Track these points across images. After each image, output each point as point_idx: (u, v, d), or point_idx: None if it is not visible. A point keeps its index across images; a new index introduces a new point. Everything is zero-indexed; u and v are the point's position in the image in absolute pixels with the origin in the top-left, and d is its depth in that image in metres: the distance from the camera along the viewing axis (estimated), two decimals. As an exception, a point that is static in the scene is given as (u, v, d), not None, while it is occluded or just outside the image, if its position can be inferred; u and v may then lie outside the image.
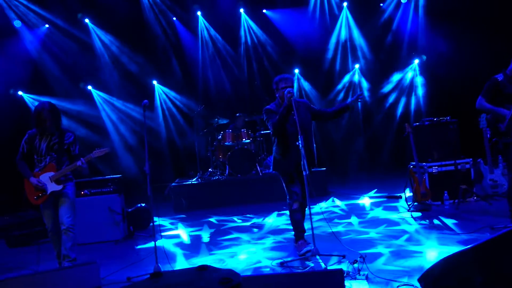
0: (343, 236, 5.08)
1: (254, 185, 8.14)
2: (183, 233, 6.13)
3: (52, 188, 4.37)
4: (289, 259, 4.28)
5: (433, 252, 4.19)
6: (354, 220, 5.86)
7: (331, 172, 9.17)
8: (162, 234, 6.01)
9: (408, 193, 6.50)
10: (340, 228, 5.46)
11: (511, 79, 4.64)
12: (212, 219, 6.80)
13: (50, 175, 4.36)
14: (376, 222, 5.61)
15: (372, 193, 7.69)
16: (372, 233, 5.11)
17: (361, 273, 3.70)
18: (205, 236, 5.78)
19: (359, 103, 4.92)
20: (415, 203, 6.08)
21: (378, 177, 9.54)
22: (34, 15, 9.59)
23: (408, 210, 5.98)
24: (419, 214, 5.80)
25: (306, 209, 4.61)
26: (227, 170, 8.33)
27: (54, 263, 4.66)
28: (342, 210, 6.63)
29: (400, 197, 6.88)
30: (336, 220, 5.93)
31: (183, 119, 10.79)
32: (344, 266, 3.83)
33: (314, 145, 4.70)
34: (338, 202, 7.27)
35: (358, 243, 4.71)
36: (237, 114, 8.95)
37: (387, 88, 10.83)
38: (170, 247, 5.37)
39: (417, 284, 3.09)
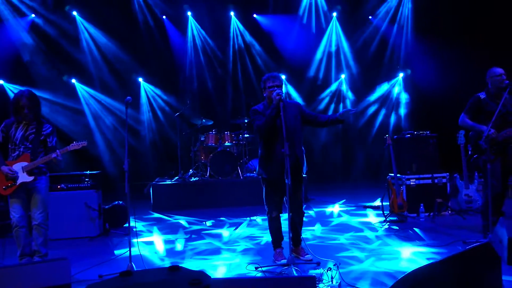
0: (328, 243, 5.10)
1: (234, 188, 8.12)
2: (157, 238, 6.07)
3: (23, 179, 4.24)
4: (263, 264, 4.27)
5: (404, 263, 4.24)
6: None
7: (315, 180, 9.27)
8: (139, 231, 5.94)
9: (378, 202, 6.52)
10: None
11: (493, 97, 4.76)
12: (191, 219, 6.77)
13: (23, 165, 4.25)
14: (350, 231, 5.67)
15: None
16: (343, 240, 5.15)
17: (334, 281, 3.73)
18: (180, 238, 5.74)
19: (350, 117, 4.75)
20: (392, 214, 6.15)
21: (358, 188, 9.63)
22: (21, 4, 9.43)
23: (384, 221, 6.06)
24: (394, 225, 5.88)
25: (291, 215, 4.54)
26: (208, 172, 8.30)
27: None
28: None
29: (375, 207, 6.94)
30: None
31: (167, 118, 10.72)
32: (318, 273, 3.84)
33: (304, 150, 4.46)
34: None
35: (335, 252, 4.74)
36: None
37: (371, 99, 10.99)
38: (146, 246, 5.32)
39: (388, 294, 3.13)
